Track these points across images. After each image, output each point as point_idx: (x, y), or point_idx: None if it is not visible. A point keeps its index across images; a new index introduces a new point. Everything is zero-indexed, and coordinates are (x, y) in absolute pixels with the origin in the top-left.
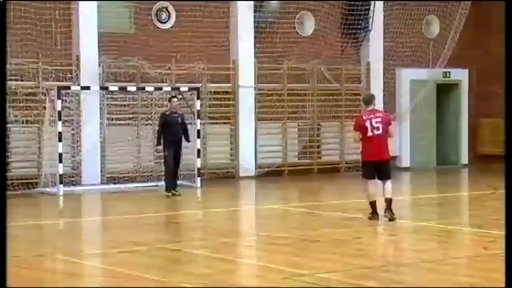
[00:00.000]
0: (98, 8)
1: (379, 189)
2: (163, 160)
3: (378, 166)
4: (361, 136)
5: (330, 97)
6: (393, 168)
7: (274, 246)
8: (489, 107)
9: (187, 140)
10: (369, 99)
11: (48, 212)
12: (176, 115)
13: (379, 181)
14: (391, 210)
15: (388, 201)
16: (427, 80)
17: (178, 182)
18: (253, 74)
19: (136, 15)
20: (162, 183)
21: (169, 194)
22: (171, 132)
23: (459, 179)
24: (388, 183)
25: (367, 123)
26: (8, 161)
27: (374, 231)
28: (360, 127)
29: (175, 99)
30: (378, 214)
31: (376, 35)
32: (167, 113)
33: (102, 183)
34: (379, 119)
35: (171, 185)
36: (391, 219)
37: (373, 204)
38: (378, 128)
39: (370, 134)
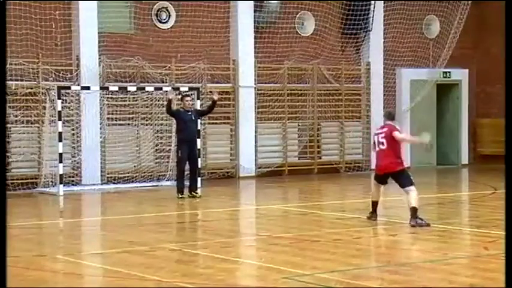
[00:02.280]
0: (98, 8)
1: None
2: (176, 161)
3: (391, 176)
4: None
5: (330, 97)
6: None
7: (274, 246)
8: (489, 107)
9: (214, 101)
10: (391, 116)
11: (48, 212)
12: (190, 113)
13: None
14: (414, 218)
15: (411, 211)
16: (427, 80)
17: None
18: (253, 74)
19: (136, 15)
20: (162, 183)
21: (182, 196)
22: (185, 132)
23: (459, 179)
24: (409, 192)
25: (375, 138)
26: (8, 161)
27: (374, 231)
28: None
29: (189, 98)
30: (375, 214)
31: (376, 35)
32: (181, 110)
33: (102, 183)
34: (383, 135)
35: (182, 187)
36: (421, 225)
37: (373, 204)
38: (382, 143)
39: (377, 149)
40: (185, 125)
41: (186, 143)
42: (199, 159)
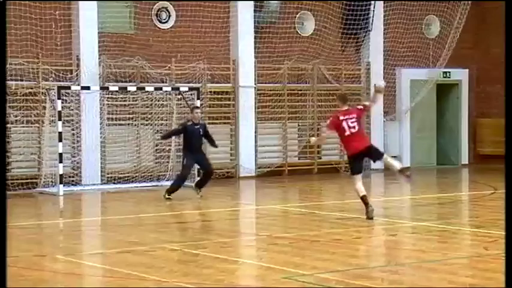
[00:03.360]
0: (98, 8)
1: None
2: (181, 165)
3: (366, 154)
4: (333, 134)
5: (330, 97)
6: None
7: (274, 246)
8: (489, 107)
9: (215, 146)
10: (346, 98)
11: (48, 212)
12: (198, 126)
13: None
14: (404, 174)
15: (400, 172)
16: (427, 79)
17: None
18: (253, 74)
19: (136, 15)
20: (162, 183)
21: (169, 197)
22: (192, 144)
23: (459, 179)
24: (387, 159)
25: (344, 124)
26: (8, 161)
27: (374, 231)
28: (336, 126)
29: (198, 110)
30: (370, 206)
31: (376, 35)
32: (189, 123)
33: (102, 183)
34: (354, 119)
35: (175, 191)
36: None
37: (364, 198)
38: (354, 127)
39: (348, 133)
40: (192, 138)
41: (192, 153)
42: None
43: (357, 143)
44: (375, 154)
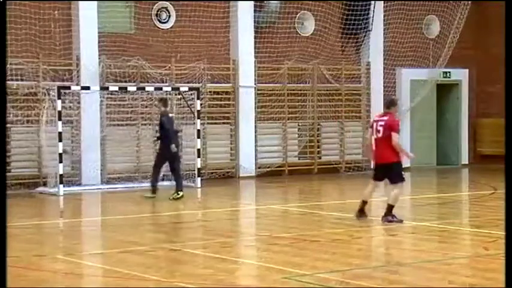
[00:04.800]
0: (98, 8)
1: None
2: None
3: (382, 169)
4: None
5: (330, 97)
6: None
7: (274, 246)
8: (489, 107)
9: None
10: (391, 104)
11: (48, 212)
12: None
13: (378, 183)
14: (386, 216)
15: (386, 207)
16: (427, 79)
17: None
18: (253, 74)
19: (136, 15)
20: (162, 183)
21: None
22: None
23: (459, 179)
24: (393, 189)
25: (375, 125)
26: (8, 161)
27: (374, 231)
28: (371, 126)
29: (160, 104)
30: (365, 213)
31: (376, 35)
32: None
33: (102, 183)
34: (382, 123)
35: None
36: (391, 221)
37: (362, 203)
38: (378, 132)
39: (374, 136)
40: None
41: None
42: (198, 160)
43: (376, 153)
44: (391, 176)
